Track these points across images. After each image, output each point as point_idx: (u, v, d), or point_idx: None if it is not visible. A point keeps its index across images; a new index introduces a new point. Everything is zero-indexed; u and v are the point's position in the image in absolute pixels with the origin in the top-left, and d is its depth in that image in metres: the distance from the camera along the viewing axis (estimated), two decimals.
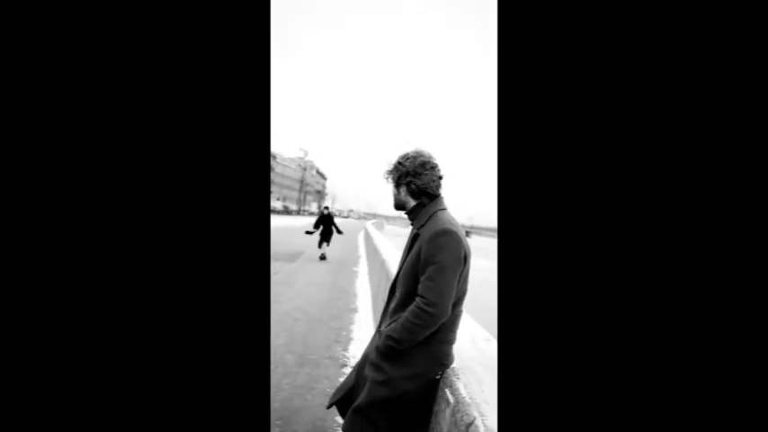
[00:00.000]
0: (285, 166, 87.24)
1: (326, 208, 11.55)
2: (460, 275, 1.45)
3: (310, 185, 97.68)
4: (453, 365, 1.51)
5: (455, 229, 1.45)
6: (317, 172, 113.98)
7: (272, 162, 76.77)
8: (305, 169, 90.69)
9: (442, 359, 1.50)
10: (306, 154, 68.66)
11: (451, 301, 1.42)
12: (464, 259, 1.45)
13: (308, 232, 11.03)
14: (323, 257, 10.78)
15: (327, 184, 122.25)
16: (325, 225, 11.03)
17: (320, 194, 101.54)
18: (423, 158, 1.56)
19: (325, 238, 10.99)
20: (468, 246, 1.48)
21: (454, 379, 1.41)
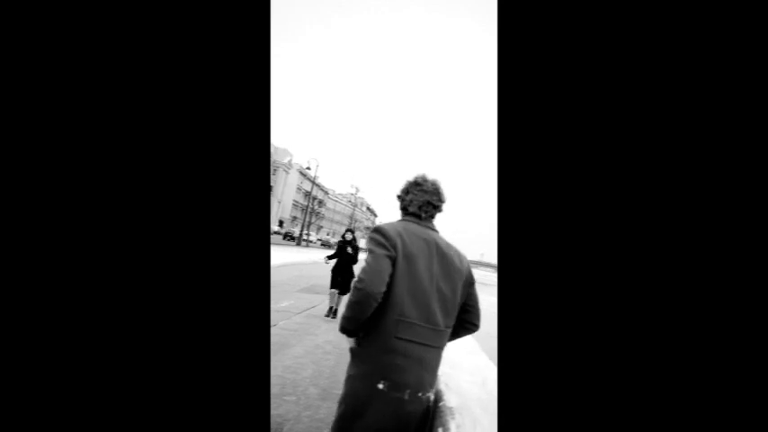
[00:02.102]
0: (336, 201, 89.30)
1: (350, 231, 7.45)
2: (395, 266, 1.47)
3: (360, 222, 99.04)
4: (452, 405, 1.48)
5: (384, 226, 1.56)
6: (368, 209, 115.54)
7: (324, 197, 78.72)
8: (355, 206, 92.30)
9: (383, 368, 1.46)
10: (357, 191, 70.11)
11: (380, 280, 1.44)
12: (393, 248, 1.49)
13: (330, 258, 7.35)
14: (331, 313, 6.97)
15: (377, 221, 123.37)
16: (343, 260, 7.17)
17: (355, 239, 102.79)
18: (417, 179, 1.70)
19: (341, 278, 7.10)
20: (412, 244, 1.52)
21: (448, 418, 1.38)
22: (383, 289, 1.44)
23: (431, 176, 1.71)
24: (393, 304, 1.46)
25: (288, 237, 41.94)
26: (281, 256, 16.31)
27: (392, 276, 1.47)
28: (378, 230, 1.55)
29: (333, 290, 7.14)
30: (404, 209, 1.68)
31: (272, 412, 2.95)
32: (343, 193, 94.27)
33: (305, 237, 42.72)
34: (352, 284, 1.47)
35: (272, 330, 5.42)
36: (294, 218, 66.38)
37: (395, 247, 1.49)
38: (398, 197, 1.71)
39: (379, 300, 1.44)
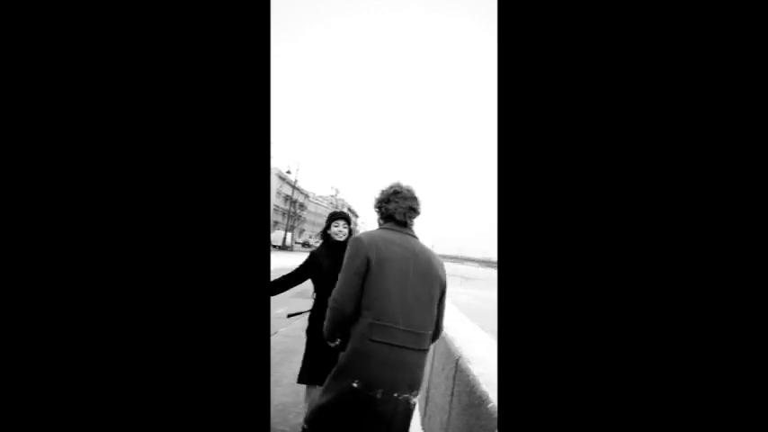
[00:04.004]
0: (317, 204, 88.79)
1: (344, 219, 2.65)
2: (366, 276, 1.60)
3: None
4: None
5: (362, 237, 1.66)
6: (349, 209, 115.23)
7: (305, 200, 78.20)
8: (336, 207, 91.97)
9: (356, 368, 1.57)
10: (337, 192, 69.79)
11: (352, 300, 1.60)
12: (366, 260, 1.60)
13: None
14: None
15: (359, 221, 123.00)
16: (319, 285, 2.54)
17: (352, 233, 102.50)
18: (395, 188, 1.78)
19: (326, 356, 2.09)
20: (389, 250, 1.62)
21: None
22: (354, 307, 1.60)
23: (404, 183, 1.81)
24: (368, 308, 1.58)
25: (306, 245, 41.66)
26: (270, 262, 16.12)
27: (367, 281, 1.59)
28: (354, 240, 1.67)
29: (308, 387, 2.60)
30: (388, 217, 1.76)
31: (294, 421, 2.94)
32: (324, 195, 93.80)
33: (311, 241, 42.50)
34: (330, 301, 1.62)
35: (275, 338, 5.38)
36: (276, 223, 65.73)
37: (368, 257, 1.60)
38: (378, 207, 1.79)
39: (351, 314, 1.61)
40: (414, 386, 1.62)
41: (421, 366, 1.65)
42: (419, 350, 1.62)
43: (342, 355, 1.64)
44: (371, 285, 1.59)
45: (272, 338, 5.36)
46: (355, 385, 1.55)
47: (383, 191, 1.79)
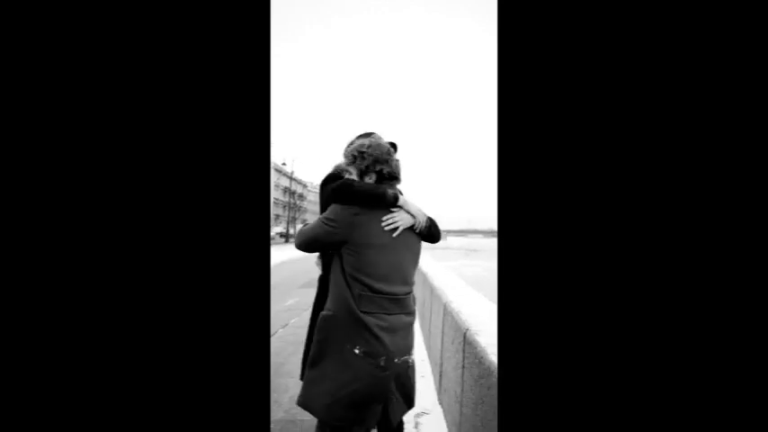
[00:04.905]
0: (316, 193, 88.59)
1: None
2: (352, 244, 1.64)
3: None
4: None
5: (339, 209, 1.69)
6: None
7: (304, 190, 78.18)
8: None
9: (356, 337, 1.63)
10: None
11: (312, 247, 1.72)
12: (344, 228, 1.65)
13: None
14: None
15: None
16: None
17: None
18: (385, 146, 1.78)
19: None
20: (371, 226, 1.65)
21: None
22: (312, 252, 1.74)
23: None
24: (354, 279, 1.62)
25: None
26: (275, 255, 16.25)
27: (350, 255, 1.63)
28: (333, 211, 1.66)
29: None
30: (392, 176, 1.80)
31: None
32: None
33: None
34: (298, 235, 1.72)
35: (286, 330, 5.42)
36: (277, 216, 65.78)
37: (345, 238, 1.64)
38: (378, 170, 1.79)
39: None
40: (408, 349, 1.73)
41: (412, 330, 1.76)
42: (406, 313, 1.71)
43: (331, 319, 1.65)
44: (356, 260, 1.63)
45: (283, 330, 5.40)
46: (357, 352, 1.60)
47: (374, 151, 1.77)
